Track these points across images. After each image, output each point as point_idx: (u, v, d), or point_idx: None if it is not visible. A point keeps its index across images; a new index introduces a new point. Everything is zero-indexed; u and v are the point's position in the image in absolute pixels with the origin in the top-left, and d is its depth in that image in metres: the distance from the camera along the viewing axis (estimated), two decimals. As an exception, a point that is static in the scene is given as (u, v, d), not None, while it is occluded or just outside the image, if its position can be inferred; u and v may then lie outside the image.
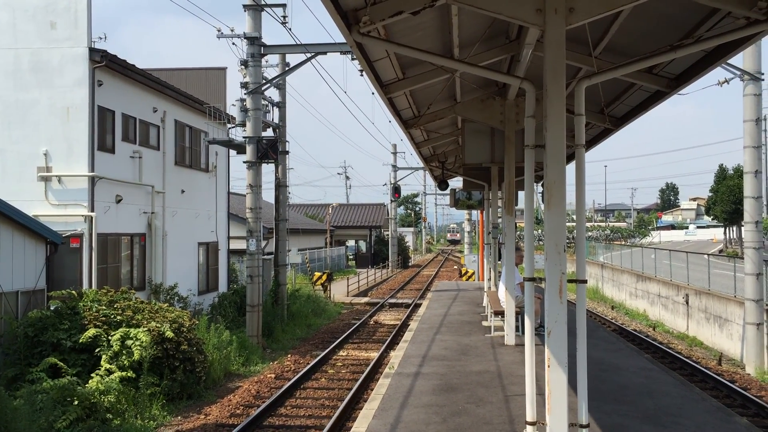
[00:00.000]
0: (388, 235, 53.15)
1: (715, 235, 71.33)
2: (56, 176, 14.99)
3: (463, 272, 34.82)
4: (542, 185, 12.11)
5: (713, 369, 15.17)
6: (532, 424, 6.11)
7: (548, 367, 5.62)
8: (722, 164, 58.10)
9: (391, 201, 51.56)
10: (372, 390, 9.54)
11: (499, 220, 14.66)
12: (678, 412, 7.80)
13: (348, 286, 32.09)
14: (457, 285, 26.79)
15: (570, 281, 5.80)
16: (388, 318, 23.18)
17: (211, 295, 21.46)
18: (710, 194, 59.13)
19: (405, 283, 38.08)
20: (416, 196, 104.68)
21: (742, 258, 16.52)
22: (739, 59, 16.07)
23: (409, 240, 74.52)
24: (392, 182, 49.03)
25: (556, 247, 5.66)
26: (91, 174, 15.00)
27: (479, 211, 27.09)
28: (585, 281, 5.84)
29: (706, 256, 22.29)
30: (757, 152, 16.08)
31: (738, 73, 16.13)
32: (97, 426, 9.94)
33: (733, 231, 58.81)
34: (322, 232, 48.12)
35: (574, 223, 6.47)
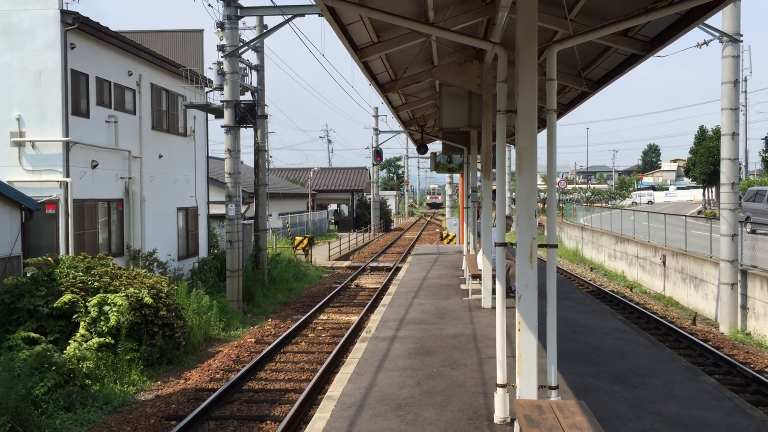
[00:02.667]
0: (370, 198, 53.12)
1: (694, 197, 72.05)
2: (30, 141, 14.76)
3: (444, 235, 35.00)
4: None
5: (688, 329, 15.44)
6: (503, 386, 6.21)
7: (518, 330, 5.70)
8: (702, 125, 58.21)
9: (373, 164, 51.39)
10: (350, 353, 9.63)
11: (479, 184, 14.69)
12: (648, 372, 7.96)
13: (330, 250, 32.15)
14: (437, 248, 26.95)
15: (541, 246, 5.85)
16: (369, 281, 23.30)
17: (191, 260, 21.42)
18: (690, 156, 59.50)
19: (387, 246, 38.21)
20: (399, 159, 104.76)
21: (719, 219, 16.71)
22: (718, 21, 16.05)
23: (392, 203, 74.63)
24: (374, 146, 48.82)
25: (527, 212, 5.70)
26: (65, 139, 14.80)
27: (460, 175, 27.12)
28: (555, 246, 5.89)
29: (683, 217, 22.52)
30: (735, 114, 16.15)
31: (717, 34, 16.10)
32: (75, 392, 9.97)
33: (711, 192, 59.35)
34: (304, 196, 48.00)
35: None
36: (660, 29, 7.60)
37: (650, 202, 69.77)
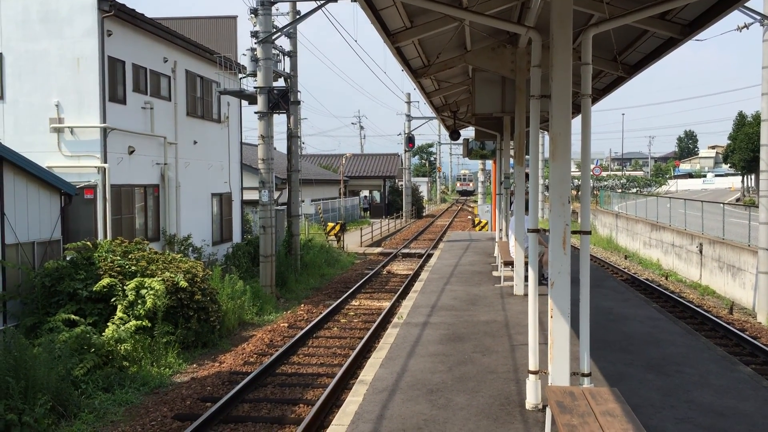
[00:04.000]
0: (402, 185, 53.09)
1: (732, 184, 70.60)
2: (68, 127, 15.04)
3: (476, 222, 34.86)
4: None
5: (724, 318, 15.21)
6: (535, 372, 6.20)
7: (551, 317, 5.68)
8: (741, 111, 56.92)
9: (405, 151, 51.33)
10: (382, 339, 9.69)
11: (511, 171, 14.59)
12: (682, 361, 7.87)
13: (361, 236, 32.25)
14: (469, 235, 26.86)
15: (574, 232, 5.80)
16: (400, 268, 23.35)
17: (225, 245, 21.67)
18: (728, 142, 58.27)
19: (418, 233, 38.21)
20: (431, 145, 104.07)
21: (758, 207, 16.37)
22: (760, 3, 15.63)
23: (423, 190, 74.44)
24: (406, 132, 48.74)
25: (560, 198, 5.66)
26: (102, 125, 15.04)
27: (493, 161, 26.95)
28: (589, 232, 5.84)
29: (721, 205, 22.10)
30: (776, 100, 15.77)
31: (758, 17, 15.72)
32: (114, 373, 10.21)
33: (750, 179, 58.12)
34: (336, 182, 48.15)
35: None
36: (698, 12, 7.45)
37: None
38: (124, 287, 11.55)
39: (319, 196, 41.38)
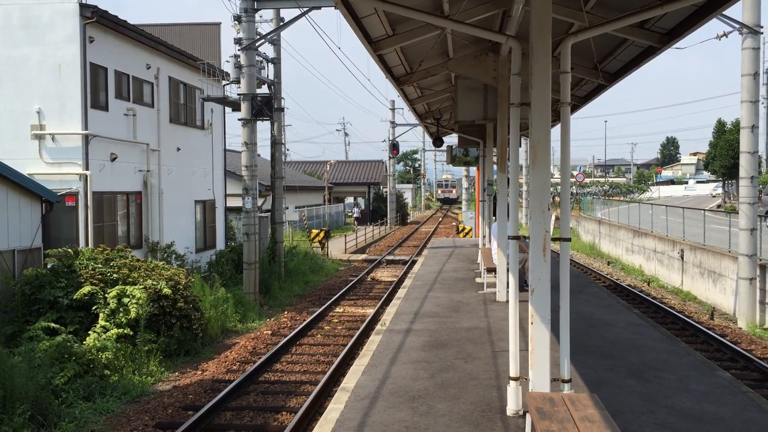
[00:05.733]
0: (386, 192, 53.15)
1: (711, 191, 71.46)
2: (50, 134, 14.93)
3: (460, 228, 34.96)
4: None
5: (705, 323, 15.34)
6: (516, 379, 6.23)
7: (531, 324, 5.71)
8: (720, 118, 57.66)
9: (390, 158, 51.39)
10: (365, 346, 9.68)
11: (495, 177, 14.67)
12: (662, 367, 7.94)
13: (346, 243, 32.24)
14: (453, 242, 26.94)
15: (554, 239, 5.85)
16: (385, 275, 23.35)
17: (208, 252, 21.58)
18: (709, 149, 58.92)
19: (403, 240, 38.24)
20: (415, 152, 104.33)
21: (738, 213, 16.56)
22: (738, 12, 15.87)
23: (408, 197, 74.51)
24: (390, 139, 48.79)
25: (540, 206, 5.70)
26: (84, 132, 14.95)
27: (476, 168, 27.06)
28: (569, 239, 5.89)
29: (702, 211, 22.33)
30: (755, 107, 15.99)
31: (737, 26, 15.94)
32: (95, 382, 10.12)
33: (731, 186, 58.74)
34: (321, 189, 48.12)
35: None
36: (677, 21, 7.55)
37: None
38: (106, 295, 11.47)
39: (304, 203, 41.32)
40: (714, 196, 66.93)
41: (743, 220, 15.88)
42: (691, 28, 7.37)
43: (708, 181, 79.28)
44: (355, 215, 52.26)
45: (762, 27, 15.85)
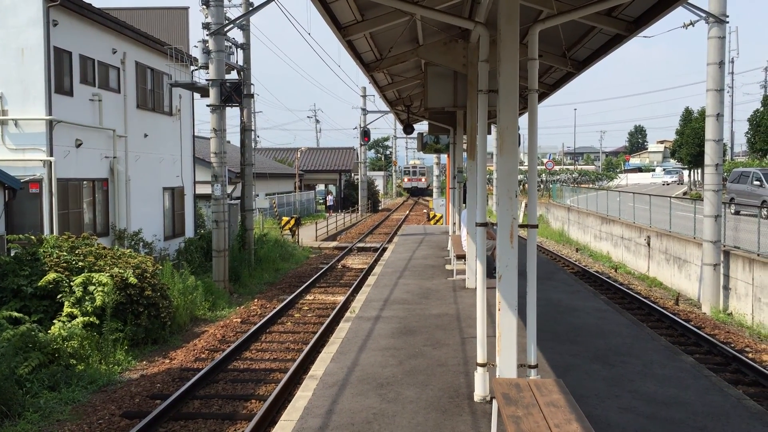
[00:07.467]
0: (358, 179, 53.06)
1: (669, 178, 72.75)
2: (13, 120, 14.62)
3: (431, 216, 35.05)
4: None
5: (670, 309, 15.60)
6: (483, 365, 6.27)
7: (499, 310, 5.74)
8: (688, 107, 58.55)
9: (361, 145, 51.25)
10: (334, 333, 9.67)
11: (464, 164, 14.71)
12: (627, 351, 8.05)
13: (317, 230, 32.14)
14: (424, 229, 27.01)
15: (521, 226, 5.88)
16: (355, 262, 23.34)
17: (177, 240, 21.37)
18: (676, 137, 59.74)
19: (374, 227, 38.25)
20: (387, 139, 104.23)
21: (703, 200, 16.83)
22: (705, 1, 16.04)
23: (379, 184, 74.46)
24: (362, 126, 48.64)
25: (507, 192, 5.72)
26: (48, 117, 14.66)
27: (447, 155, 27.10)
28: (536, 226, 5.92)
29: (668, 198, 22.65)
30: (720, 95, 16.22)
31: (703, 15, 16.12)
32: (60, 371, 9.96)
33: (697, 173, 59.69)
34: (291, 176, 47.86)
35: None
36: (643, 9, 7.58)
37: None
38: (71, 283, 11.28)
39: (274, 190, 41.07)
40: (667, 184, 68.21)
41: (708, 206, 16.14)
42: (658, 15, 7.42)
43: (675, 169, 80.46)
44: (329, 203, 52.12)
45: (728, 16, 16.06)
